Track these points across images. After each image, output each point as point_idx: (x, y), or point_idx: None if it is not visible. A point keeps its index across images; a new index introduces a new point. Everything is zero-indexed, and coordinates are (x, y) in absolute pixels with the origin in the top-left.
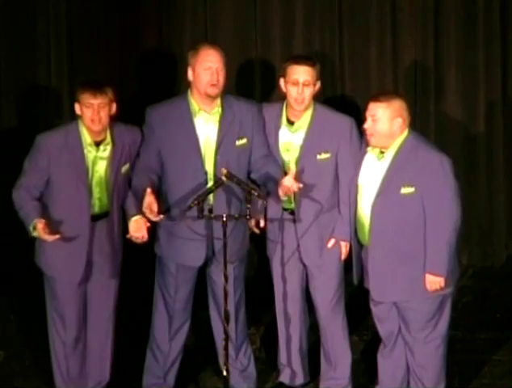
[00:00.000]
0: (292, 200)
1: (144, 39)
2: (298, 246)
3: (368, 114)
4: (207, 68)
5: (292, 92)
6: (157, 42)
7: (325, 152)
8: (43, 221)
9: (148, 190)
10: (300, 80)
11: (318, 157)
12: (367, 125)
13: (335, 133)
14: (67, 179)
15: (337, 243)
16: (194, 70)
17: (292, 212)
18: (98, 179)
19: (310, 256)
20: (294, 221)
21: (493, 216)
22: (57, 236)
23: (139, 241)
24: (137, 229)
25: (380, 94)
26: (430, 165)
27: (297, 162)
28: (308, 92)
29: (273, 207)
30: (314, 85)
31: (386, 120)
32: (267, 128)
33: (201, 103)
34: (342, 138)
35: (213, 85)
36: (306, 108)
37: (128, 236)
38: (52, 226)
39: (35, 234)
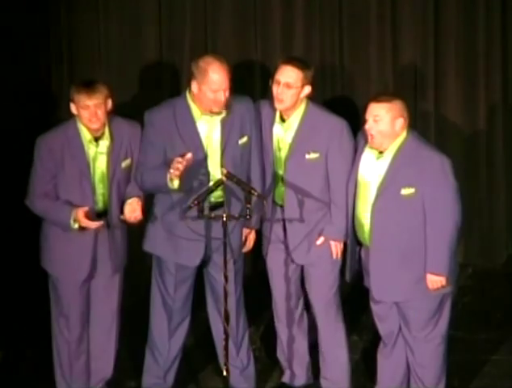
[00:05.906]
0: (282, 198)
1: (144, 39)
2: (287, 244)
3: (370, 115)
4: (215, 90)
5: (273, 90)
6: (157, 43)
7: (314, 152)
8: (83, 209)
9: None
10: (281, 80)
11: (307, 156)
12: (368, 126)
13: (325, 134)
14: (71, 177)
15: (326, 242)
16: (200, 87)
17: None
18: (100, 174)
19: (299, 254)
20: (283, 219)
21: (493, 216)
22: (101, 223)
23: (132, 220)
24: (132, 210)
25: (381, 95)
26: (430, 166)
27: (286, 160)
28: (290, 94)
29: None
30: (299, 88)
31: (388, 120)
32: (263, 125)
33: (203, 109)
34: (331, 139)
35: (219, 103)
36: (294, 107)
37: (121, 217)
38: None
39: (76, 226)
